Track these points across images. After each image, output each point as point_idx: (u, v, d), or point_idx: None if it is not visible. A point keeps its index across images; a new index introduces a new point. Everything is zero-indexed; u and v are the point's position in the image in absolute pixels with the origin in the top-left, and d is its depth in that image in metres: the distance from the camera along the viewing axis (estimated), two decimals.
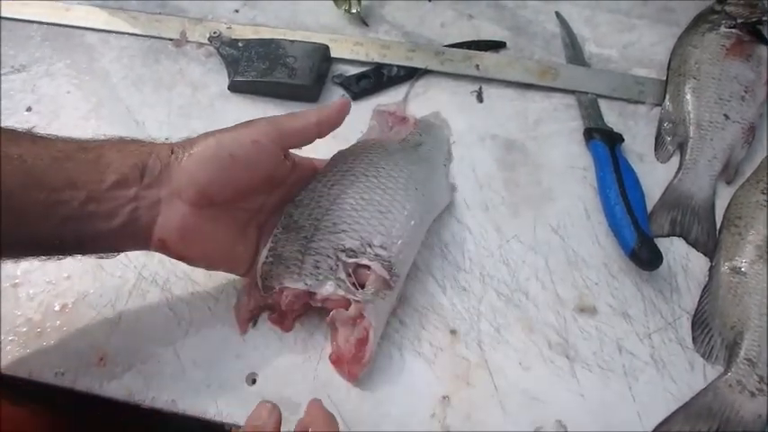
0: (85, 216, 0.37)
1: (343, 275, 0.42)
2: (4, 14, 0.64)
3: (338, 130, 0.53)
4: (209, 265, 0.44)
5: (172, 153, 0.40)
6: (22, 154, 0.37)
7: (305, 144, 0.44)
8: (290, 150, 0.44)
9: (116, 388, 0.43)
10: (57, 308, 0.47)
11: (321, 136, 0.43)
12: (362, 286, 0.42)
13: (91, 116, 0.57)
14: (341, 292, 0.41)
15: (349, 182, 0.45)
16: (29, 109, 0.58)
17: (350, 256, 0.42)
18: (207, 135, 0.41)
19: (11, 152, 0.37)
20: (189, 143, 0.40)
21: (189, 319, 0.46)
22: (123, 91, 0.58)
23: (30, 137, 0.40)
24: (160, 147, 0.40)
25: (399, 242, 0.43)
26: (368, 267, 0.42)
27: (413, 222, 0.44)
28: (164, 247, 0.40)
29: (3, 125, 0.56)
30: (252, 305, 0.45)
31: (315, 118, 0.42)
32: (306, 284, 0.42)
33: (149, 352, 0.45)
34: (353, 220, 0.43)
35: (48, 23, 0.63)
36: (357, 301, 0.41)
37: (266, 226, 0.45)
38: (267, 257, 0.43)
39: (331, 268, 0.42)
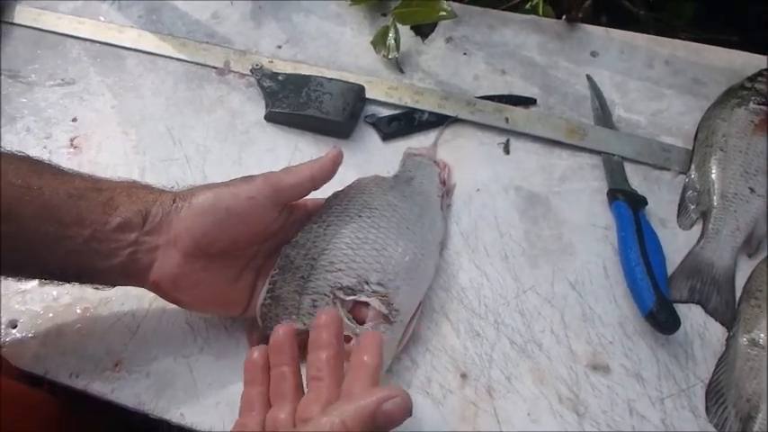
0: (87, 252, 0.39)
1: (341, 313, 0.42)
2: (61, 30, 0.67)
3: (367, 167, 0.55)
4: (202, 309, 0.45)
5: (173, 202, 0.41)
6: (42, 186, 0.39)
7: (301, 197, 0.45)
8: None
9: (127, 395, 0.44)
10: (79, 311, 0.48)
11: (316, 188, 0.44)
12: (362, 323, 0.42)
13: (131, 132, 0.59)
14: None
15: (344, 222, 0.45)
16: (74, 119, 0.61)
17: (347, 294, 0.42)
18: (207, 188, 0.42)
19: (32, 183, 0.39)
20: (190, 193, 0.42)
21: (205, 336, 0.46)
22: (165, 111, 0.61)
23: (52, 171, 0.42)
24: (165, 195, 0.42)
25: (396, 278, 0.44)
26: (366, 304, 0.42)
27: (407, 258, 0.45)
28: (158, 290, 0.42)
29: (49, 132, 0.60)
30: (256, 342, 0.45)
31: (309, 172, 0.43)
32: (304, 324, 0.42)
33: (164, 363, 0.45)
34: (350, 258, 0.43)
35: (100, 42, 0.66)
36: (357, 336, 0.41)
37: (264, 268, 0.45)
38: (265, 299, 0.43)
39: (328, 306, 0.42)
